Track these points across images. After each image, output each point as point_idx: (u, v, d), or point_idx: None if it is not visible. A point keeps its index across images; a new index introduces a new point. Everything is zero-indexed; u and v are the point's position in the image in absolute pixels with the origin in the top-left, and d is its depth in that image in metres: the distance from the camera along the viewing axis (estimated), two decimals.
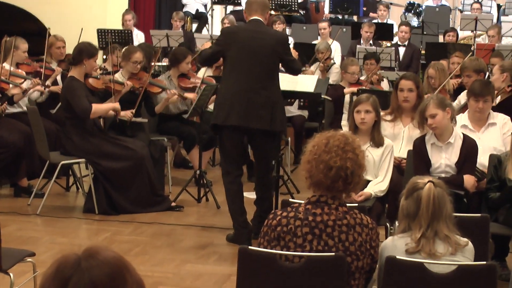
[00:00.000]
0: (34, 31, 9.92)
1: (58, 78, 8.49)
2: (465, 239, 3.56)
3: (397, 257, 3.45)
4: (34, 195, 7.52)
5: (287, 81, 6.85)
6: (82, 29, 9.34)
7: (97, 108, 7.20)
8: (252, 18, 6.44)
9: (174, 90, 8.11)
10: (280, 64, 6.46)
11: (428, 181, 3.57)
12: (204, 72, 8.76)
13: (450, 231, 3.53)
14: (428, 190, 3.53)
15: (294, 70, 6.59)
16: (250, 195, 7.01)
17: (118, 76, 7.96)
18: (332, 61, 10.80)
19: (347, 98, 9.12)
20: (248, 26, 6.55)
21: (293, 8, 14.06)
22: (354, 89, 8.99)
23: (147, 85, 7.88)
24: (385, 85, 9.99)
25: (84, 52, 7.24)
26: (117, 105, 7.39)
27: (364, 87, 9.05)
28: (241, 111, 6.21)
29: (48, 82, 8.23)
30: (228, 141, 6.36)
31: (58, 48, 8.81)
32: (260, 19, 6.43)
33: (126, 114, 7.56)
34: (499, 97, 7.02)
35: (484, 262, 3.39)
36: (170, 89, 8.16)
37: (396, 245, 3.55)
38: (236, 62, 6.31)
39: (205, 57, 6.66)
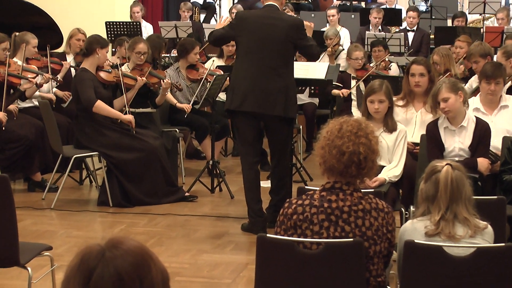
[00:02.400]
0: (44, 25, 9.92)
1: (73, 70, 8.49)
2: (485, 222, 3.55)
3: (416, 240, 3.44)
4: (48, 189, 7.55)
5: (298, 69, 6.82)
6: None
7: (103, 106, 7.17)
8: (267, 3, 6.43)
9: (167, 80, 8.00)
10: (296, 52, 6.42)
11: (446, 164, 3.56)
12: (211, 64, 8.74)
13: (469, 214, 3.52)
14: (446, 173, 3.52)
15: (311, 55, 6.54)
16: (265, 184, 7.01)
17: (124, 68, 7.96)
18: (340, 47, 10.77)
19: (352, 84, 9.10)
20: (261, 12, 6.53)
21: None
22: (362, 76, 8.99)
23: (147, 75, 7.81)
24: (394, 71, 9.94)
25: (95, 42, 7.28)
26: (127, 117, 7.32)
27: (371, 73, 9.03)
28: (255, 98, 6.21)
29: (59, 76, 8.25)
30: (244, 126, 6.37)
31: (78, 40, 8.84)
32: (276, 4, 6.40)
33: (126, 118, 7.46)
34: (509, 83, 6.97)
35: (503, 244, 3.39)
36: (167, 80, 8.06)
37: (416, 227, 3.55)
38: (248, 48, 6.30)
39: (215, 36, 6.58)
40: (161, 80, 7.89)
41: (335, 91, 9.12)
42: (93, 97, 7.11)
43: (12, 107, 7.63)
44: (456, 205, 3.49)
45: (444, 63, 7.95)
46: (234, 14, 12.09)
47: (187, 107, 8.10)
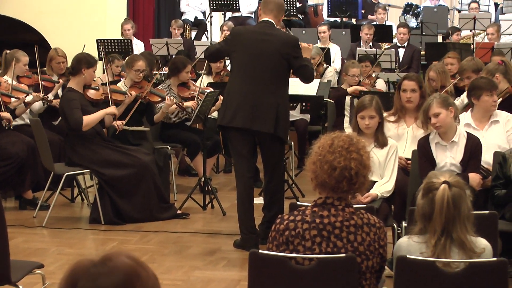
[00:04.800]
0: (35, 42, 9.93)
1: (59, 91, 8.48)
2: (483, 246, 3.48)
3: (408, 256, 3.43)
4: (39, 207, 7.53)
5: (289, 85, 6.81)
6: (84, 45, 9.35)
7: (89, 119, 7.16)
8: (263, 19, 6.42)
9: (173, 98, 8.08)
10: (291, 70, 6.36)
11: (444, 182, 3.48)
12: (201, 81, 8.76)
13: (467, 233, 3.44)
14: (442, 193, 3.45)
15: (305, 76, 6.41)
16: (257, 200, 7.01)
17: (120, 85, 7.97)
18: (324, 65, 10.73)
19: (347, 100, 9.13)
20: (256, 28, 6.54)
21: (291, 13, 14.07)
22: (357, 88, 9.02)
23: (147, 94, 7.87)
24: (381, 86, 10.00)
25: (82, 61, 7.25)
26: (110, 110, 7.35)
27: (365, 89, 9.07)
28: (246, 114, 6.20)
29: (50, 95, 8.23)
30: (236, 140, 6.36)
31: (58, 63, 8.78)
32: (272, 21, 6.38)
33: (116, 123, 7.51)
34: (500, 99, 6.99)
35: (495, 259, 3.38)
36: (169, 97, 8.12)
37: (410, 250, 3.51)
38: (241, 63, 6.30)
39: (211, 51, 6.60)
40: (163, 100, 7.92)
41: (350, 89, 9.15)
42: (79, 119, 7.08)
43: (4, 114, 7.57)
44: (452, 225, 3.42)
45: (440, 79, 7.99)
46: (227, 30, 12.24)
47: (118, 123, 7.85)
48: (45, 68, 8.86)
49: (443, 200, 3.43)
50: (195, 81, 9.13)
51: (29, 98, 7.89)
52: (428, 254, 3.45)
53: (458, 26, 13.26)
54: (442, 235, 3.41)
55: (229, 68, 9.67)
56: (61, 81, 8.42)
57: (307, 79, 6.49)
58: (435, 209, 3.41)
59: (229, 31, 11.86)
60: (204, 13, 14.89)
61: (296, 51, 6.30)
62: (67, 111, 7.13)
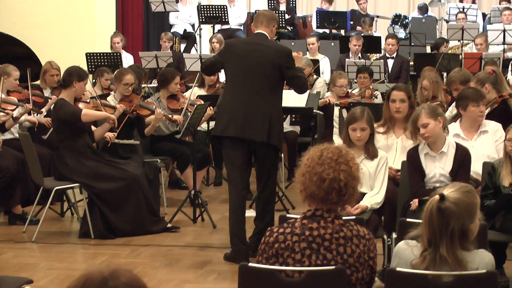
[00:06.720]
0: (24, 55, 9.93)
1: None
2: (477, 263, 3.36)
3: (397, 268, 3.43)
4: (29, 222, 7.48)
5: None
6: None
7: (88, 111, 7.20)
8: (256, 31, 6.47)
9: (161, 111, 8.07)
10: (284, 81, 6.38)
11: (440, 194, 3.34)
12: (190, 93, 8.76)
13: (457, 250, 3.31)
14: (430, 205, 3.34)
15: (299, 87, 6.46)
16: (248, 213, 6.99)
17: (110, 99, 7.97)
18: (314, 76, 10.76)
19: (336, 111, 9.14)
20: (250, 39, 6.59)
21: (280, 25, 14.11)
22: (340, 101, 9.04)
23: (137, 107, 7.87)
24: (379, 101, 9.93)
25: (74, 74, 7.24)
26: (112, 115, 7.38)
27: (353, 100, 9.07)
28: (239, 123, 6.23)
29: (43, 110, 8.21)
30: (231, 150, 6.36)
31: (52, 76, 8.80)
32: (265, 32, 6.43)
33: (108, 135, 7.52)
34: (488, 109, 7.01)
35: (485, 271, 3.37)
36: (158, 109, 8.11)
37: (405, 254, 3.44)
38: (234, 73, 6.35)
39: (206, 64, 6.71)
40: (153, 113, 7.92)
41: (332, 100, 9.17)
42: (77, 110, 7.11)
43: None
44: (439, 239, 3.31)
45: (433, 89, 8.01)
46: (216, 42, 12.27)
47: (110, 135, 7.91)
48: (36, 82, 8.86)
49: (427, 213, 3.34)
50: (184, 93, 9.14)
51: (18, 111, 7.87)
52: (417, 261, 3.39)
53: (446, 37, 13.31)
54: (429, 247, 3.35)
55: (222, 80, 9.71)
56: (54, 97, 8.40)
57: (300, 89, 6.53)
58: (423, 221, 3.39)
59: (220, 43, 12.03)
60: (193, 25, 14.92)
61: (289, 62, 6.33)
62: (63, 109, 7.09)
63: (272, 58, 6.26)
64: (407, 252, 3.45)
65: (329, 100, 9.39)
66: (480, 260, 3.37)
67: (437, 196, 3.33)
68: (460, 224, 3.30)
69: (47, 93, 8.77)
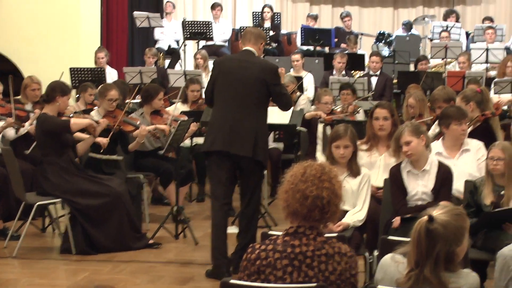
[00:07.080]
0: (7, 71, 9.90)
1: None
2: (460, 285, 3.29)
3: (379, 286, 3.41)
4: (10, 237, 7.43)
5: None
6: (62, 72, 9.34)
7: (77, 120, 7.29)
8: (244, 48, 6.51)
9: (146, 126, 8.05)
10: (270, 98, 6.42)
11: (429, 215, 3.29)
12: (174, 109, 8.75)
13: (441, 272, 3.26)
14: (418, 225, 3.29)
15: (283, 104, 6.53)
16: (230, 229, 6.98)
17: (94, 114, 7.94)
18: (298, 93, 10.78)
19: (320, 128, 9.15)
20: (237, 56, 6.64)
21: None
22: (325, 118, 9.06)
23: (121, 123, 7.84)
24: (361, 117, 9.98)
25: (57, 89, 7.23)
26: (102, 121, 7.39)
27: (337, 118, 9.09)
28: (225, 137, 6.28)
29: (26, 124, 8.18)
30: (216, 166, 6.38)
31: (33, 90, 8.77)
32: (252, 49, 6.47)
33: (102, 141, 7.53)
34: (471, 127, 7.03)
35: None
36: (142, 125, 8.08)
37: (392, 271, 3.42)
38: (221, 90, 6.39)
39: (206, 96, 6.73)
40: (137, 129, 7.90)
41: (308, 114, 9.17)
42: (65, 120, 7.15)
43: None
44: (426, 260, 3.26)
45: (419, 107, 8.04)
46: (200, 58, 12.28)
47: (104, 141, 7.89)
48: (19, 97, 8.82)
49: (416, 233, 3.29)
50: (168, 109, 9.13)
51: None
52: (401, 281, 3.34)
53: (430, 55, 13.39)
54: (416, 267, 3.29)
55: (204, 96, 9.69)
56: (37, 110, 8.37)
57: (285, 107, 6.60)
58: (411, 240, 3.34)
59: (205, 59, 12.05)
60: (177, 41, 14.93)
61: (275, 79, 6.41)
62: (50, 122, 7.09)
63: (259, 75, 6.30)
64: (392, 269, 3.43)
65: (317, 114, 9.37)
66: (465, 281, 3.33)
67: (425, 217, 3.28)
68: (447, 247, 3.25)
69: (28, 107, 8.74)
